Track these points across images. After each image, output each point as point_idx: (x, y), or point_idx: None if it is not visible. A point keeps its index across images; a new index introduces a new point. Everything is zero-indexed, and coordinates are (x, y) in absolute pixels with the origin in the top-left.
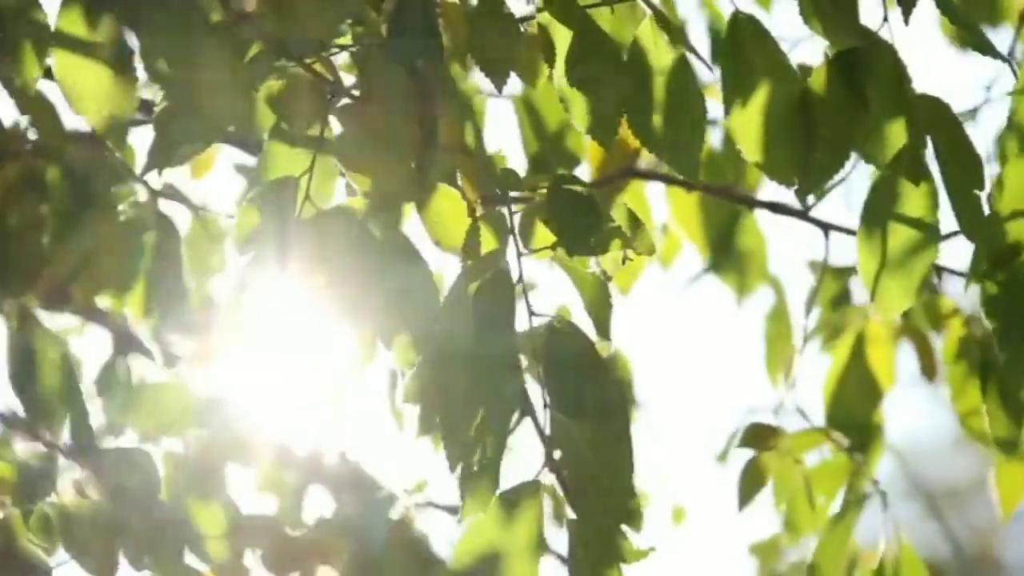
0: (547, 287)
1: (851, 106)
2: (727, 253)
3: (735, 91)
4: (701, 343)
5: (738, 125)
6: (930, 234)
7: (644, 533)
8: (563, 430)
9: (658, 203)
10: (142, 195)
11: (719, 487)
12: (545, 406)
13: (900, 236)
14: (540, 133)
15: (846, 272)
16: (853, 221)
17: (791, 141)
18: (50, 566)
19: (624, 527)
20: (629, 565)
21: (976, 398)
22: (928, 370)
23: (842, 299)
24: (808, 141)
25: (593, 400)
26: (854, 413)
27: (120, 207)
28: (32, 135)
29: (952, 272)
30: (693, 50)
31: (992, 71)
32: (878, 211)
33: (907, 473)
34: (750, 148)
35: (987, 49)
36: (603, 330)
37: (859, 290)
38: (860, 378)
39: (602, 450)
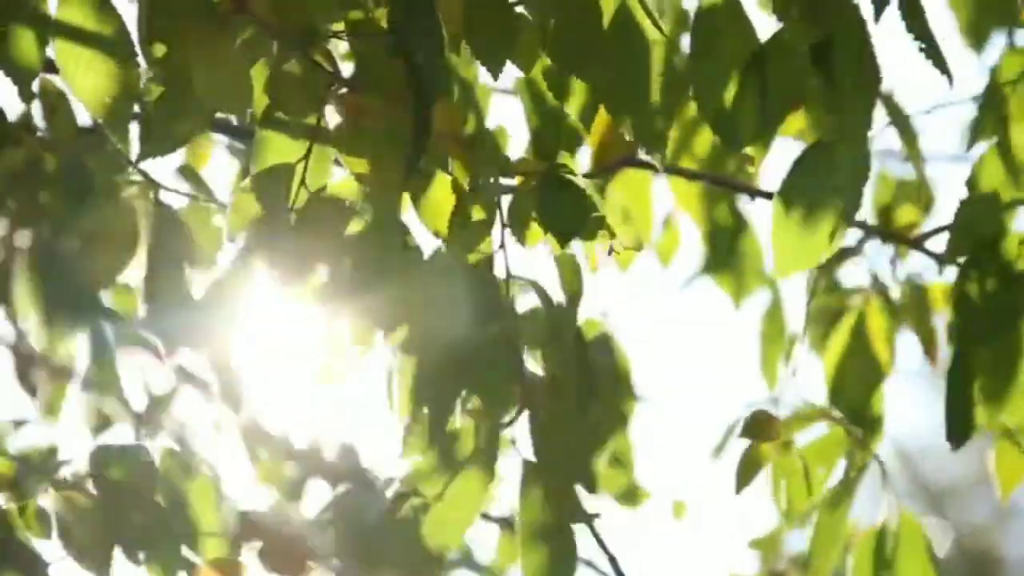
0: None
1: (805, 61)
2: (724, 257)
3: (698, 54)
4: (700, 338)
5: (697, 86)
6: (843, 199)
7: (643, 527)
8: (529, 388)
9: (664, 196)
10: (139, 184)
11: (719, 482)
12: None
13: (813, 197)
14: (541, 111)
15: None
16: None
17: (741, 98)
18: (46, 561)
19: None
20: (585, 525)
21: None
22: (930, 354)
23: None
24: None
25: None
26: (855, 394)
27: (120, 196)
28: (38, 124)
29: (930, 255)
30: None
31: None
32: (803, 171)
33: (907, 470)
34: (701, 106)
35: (938, 62)
36: (572, 304)
37: (852, 273)
38: (861, 359)
39: (567, 409)
